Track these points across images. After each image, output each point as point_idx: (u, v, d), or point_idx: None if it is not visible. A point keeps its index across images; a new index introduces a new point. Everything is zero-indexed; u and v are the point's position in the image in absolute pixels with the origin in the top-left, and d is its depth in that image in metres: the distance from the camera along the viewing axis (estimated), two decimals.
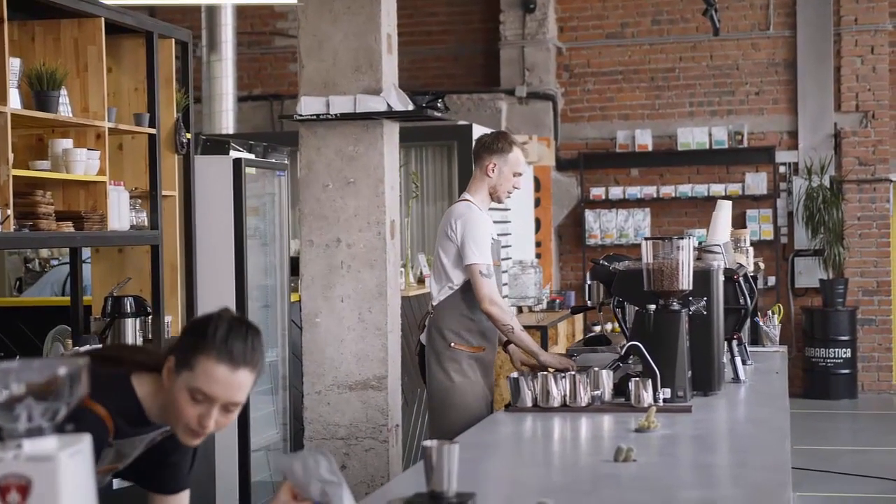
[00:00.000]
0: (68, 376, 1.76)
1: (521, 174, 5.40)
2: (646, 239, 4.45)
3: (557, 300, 10.89)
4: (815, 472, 8.74)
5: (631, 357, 4.44)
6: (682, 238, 4.42)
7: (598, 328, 10.29)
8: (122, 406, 2.67)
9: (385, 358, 5.59)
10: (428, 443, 2.72)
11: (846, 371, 12.29)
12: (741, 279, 5.04)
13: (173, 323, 5.98)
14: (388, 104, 5.48)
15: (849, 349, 12.27)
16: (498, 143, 5.34)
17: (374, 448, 5.61)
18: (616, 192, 12.91)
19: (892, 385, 12.69)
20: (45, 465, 1.73)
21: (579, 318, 10.79)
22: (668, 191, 12.82)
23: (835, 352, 12.24)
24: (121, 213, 5.47)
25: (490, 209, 5.43)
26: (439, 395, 5.24)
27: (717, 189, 12.62)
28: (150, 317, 5.73)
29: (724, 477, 3.27)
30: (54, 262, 8.73)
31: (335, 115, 5.52)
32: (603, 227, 12.96)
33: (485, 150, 5.33)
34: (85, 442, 1.79)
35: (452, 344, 5.22)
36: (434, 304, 5.33)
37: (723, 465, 3.46)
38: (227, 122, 10.84)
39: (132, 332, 5.54)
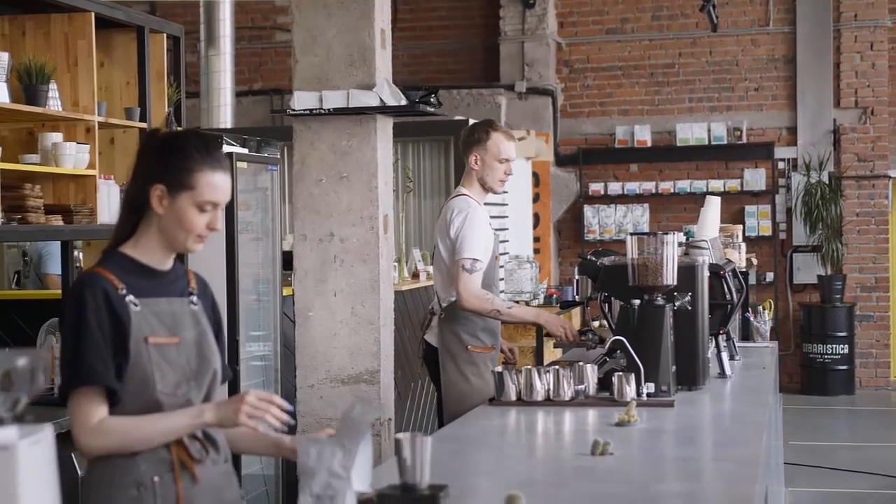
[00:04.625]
0: (28, 368, 1.79)
1: (508, 160, 5.32)
2: (631, 234, 4.46)
3: (555, 295, 10.89)
4: (810, 468, 8.76)
5: (617, 352, 4.45)
6: (667, 234, 4.42)
7: (596, 323, 10.29)
8: (120, 265, 2.86)
9: (378, 352, 5.58)
10: (400, 435, 2.74)
11: (844, 367, 12.29)
12: (728, 275, 5.04)
13: None
14: (381, 99, 5.48)
15: (846, 345, 12.28)
16: (474, 133, 5.32)
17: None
18: (615, 187, 12.93)
19: (889, 381, 12.70)
20: (4, 455, 1.75)
21: (577, 313, 10.79)
22: (666, 186, 12.83)
23: (832, 348, 12.25)
24: (111, 206, 5.49)
25: (487, 203, 5.44)
26: (456, 398, 5.15)
27: (716, 185, 12.62)
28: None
29: (695, 470, 3.28)
30: None
31: (328, 109, 5.52)
32: (602, 222, 12.97)
33: (464, 144, 5.35)
34: (45, 432, 1.81)
35: (469, 347, 5.20)
36: (443, 304, 5.26)
37: (697, 458, 3.47)
38: (225, 116, 10.85)
39: None
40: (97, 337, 2.76)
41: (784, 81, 12.80)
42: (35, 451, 1.78)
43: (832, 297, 12.31)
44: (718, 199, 5.83)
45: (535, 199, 12.37)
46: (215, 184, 2.84)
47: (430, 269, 8.12)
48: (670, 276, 4.39)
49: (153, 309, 2.86)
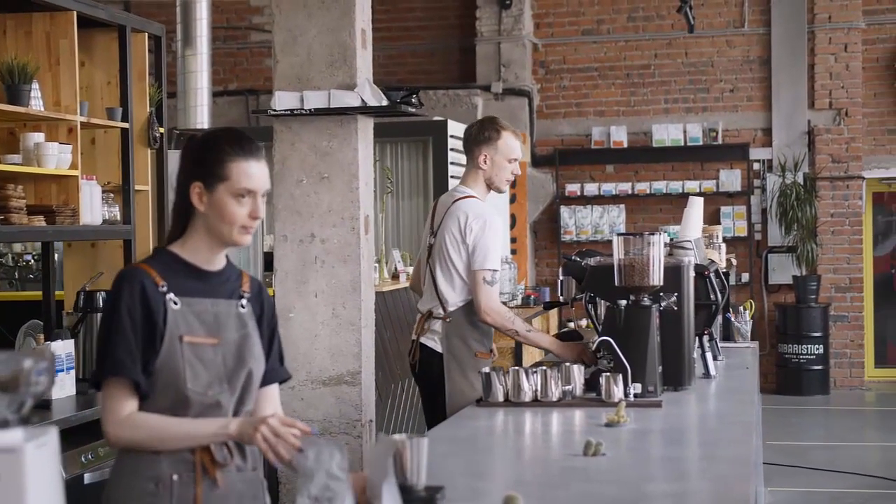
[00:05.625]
0: (34, 369, 1.77)
1: (517, 159, 5.15)
2: (618, 234, 4.46)
3: (532, 296, 10.91)
4: (786, 468, 8.81)
5: (603, 352, 4.45)
6: (654, 234, 4.43)
7: (571, 324, 10.32)
8: (165, 263, 2.91)
9: (359, 353, 5.57)
10: (397, 437, 2.74)
11: (818, 367, 12.37)
12: (712, 275, 5.06)
13: None
14: (363, 99, 5.47)
15: (821, 345, 12.36)
16: (484, 132, 5.11)
17: (349, 443, 5.60)
18: (591, 188, 12.96)
19: (863, 381, 12.78)
20: (11, 457, 1.73)
21: (554, 313, 10.82)
22: (642, 187, 12.88)
23: (807, 348, 12.32)
24: (93, 207, 5.46)
25: None
26: (462, 404, 4.87)
27: (692, 186, 12.68)
28: None
29: (689, 470, 3.29)
30: (28, 258, 8.69)
31: (309, 110, 5.50)
32: (578, 223, 13.00)
33: (472, 143, 5.14)
34: (51, 434, 1.79)
35: (478, 353, 5.08)
36: (450, 308, 5.07)
37: (689, 458, 3.48)
38: (201, 116, 10.78)
39: None
40: (127, 330, 2.81)
41: (759, 83, 12.87)
42: (41, 453, 1.77)
43: (807, 297, 12.38)
44: (702, 199, 5.86)
45: (512, 199, 12.38)
46: (249, 172, 2.90)
47: (410, 269, 8.11)
48: (656, 277, 4.40)
49: (194, 308, 2.90)
